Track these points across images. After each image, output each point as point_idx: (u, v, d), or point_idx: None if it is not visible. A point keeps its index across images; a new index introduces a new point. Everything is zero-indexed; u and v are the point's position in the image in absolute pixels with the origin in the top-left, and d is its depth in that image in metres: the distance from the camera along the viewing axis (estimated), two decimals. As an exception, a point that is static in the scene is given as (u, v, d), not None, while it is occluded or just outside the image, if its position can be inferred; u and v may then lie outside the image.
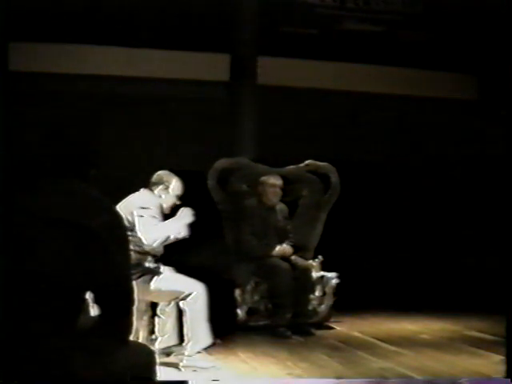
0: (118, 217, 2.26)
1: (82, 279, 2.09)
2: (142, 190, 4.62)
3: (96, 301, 2.17)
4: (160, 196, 4.59)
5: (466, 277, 8.16)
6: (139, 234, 4.35)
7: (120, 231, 2.23)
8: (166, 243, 4.48)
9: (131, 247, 4.46)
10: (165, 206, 4.57)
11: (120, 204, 4.43)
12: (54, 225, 2.08)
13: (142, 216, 4.38)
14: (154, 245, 4.41)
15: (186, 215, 4.41)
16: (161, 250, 4.59)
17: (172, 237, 4.41)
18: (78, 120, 2.34)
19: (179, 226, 4.39)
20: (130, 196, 4.58)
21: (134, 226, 4.38)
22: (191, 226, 4.45)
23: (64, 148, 2.23)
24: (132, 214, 4.39)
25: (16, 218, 2.11)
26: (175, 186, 4.64)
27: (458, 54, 9.28)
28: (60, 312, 2.06)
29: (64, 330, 2.06)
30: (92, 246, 2.08)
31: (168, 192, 4.61)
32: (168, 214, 4.60)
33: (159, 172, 4.70)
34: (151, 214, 4.41)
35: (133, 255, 4.45)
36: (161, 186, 4.61)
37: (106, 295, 2.15)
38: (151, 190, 4.63)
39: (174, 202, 4.61)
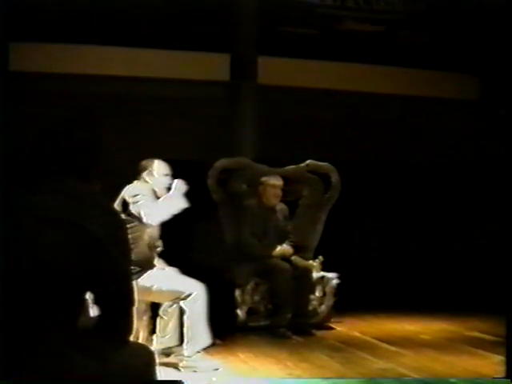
0: (117, 217, 2.26)
1: (81, 279, 2.09)
2: (134, 182, 4.69)
3: (96, 301, 2.17)
4: (148, 182, 4.64)
5: (467, 277, 8.16)
6: (142, 217, 4.39)
7: (120, 231, 2.23)
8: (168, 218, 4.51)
9: (132, 246, 4.47)
10: (157, 189, 4.65)
11: (116, 200, 4.50)
12: (54, 225, 2.08)
13: (137, 202, 4.46)
14: (156, 222, 4.48)
15: (179, 186, 4.48)
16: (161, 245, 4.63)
17: (174, 211, 4.45)
18: (78, 120, 2.34)
19: (176, 199, 4.45)
20: (123, 190, 4.62)
21: (132, 218, 4.43)
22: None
23: (64, 148, 2.23)
24: (128, 204, 4.47)
25: (16, 218, 2.11)
26: (158, 167, 4.71)
27: (458, 54, 9.28)
28: (60, 312, 2.06)
29: (64, 331, 2.06)
30: (92, 247, 2.08)
31: (154, 175, 4.68)
32: None
33: (141, 161, 4.76)
34: (145, 199, 4.49)
35: (134, 254, 4.47)
36: (145, 173, 4.68)
37: (105, 295, 2.15)
38: (140, 180, 4.69)
39: (165, 183, 4.65)
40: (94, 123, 2.34)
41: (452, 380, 4.15)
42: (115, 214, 2.28)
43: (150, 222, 4.45)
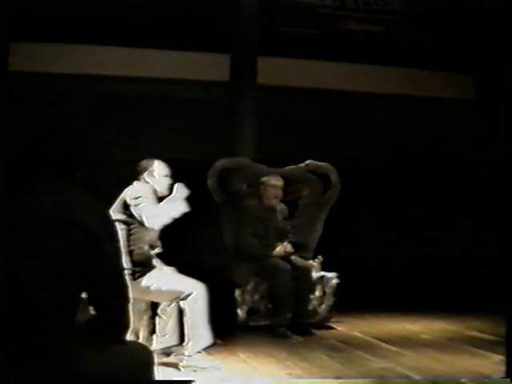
0: (109, 216, 2.29)
1: (78, 277, 2.10)
2: (134, 182, 4.68)
3: (92, 300, 2.17)
4: (149, 182, 4.64)
5: (467, 277, 8.16)
6: (144, 221, 4.38)
7: (114, 230, 2.24)
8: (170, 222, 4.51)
9: (132, 247, 4.48)
10: (158, 189, 4.63)
11: (117, 201, 4.50)
12: (52, 224, 2.08)
13: (138, 204, 4.44)
14: (157, 226, 4.47)
15: (181, 190, 4.47)
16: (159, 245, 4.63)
17: (176, 215, 4.44)
18: (77, 120, 2.35)
19: (177, 203, 4.44)
20: (124, 191, 4.62)
21: (132, 220, 4.43)
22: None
23: (62, 148, 2.24)
24: (129, 206, 4.46)
25: (14, 218, 2.11)
26: (158, 168, 4.70)
27: (457, 54, 9.28)
28: (57, 311, 2.06)
29: (61, 330, 2.06)
30: (86, 244, 2.09)
31: (154, 176, 4.67)
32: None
33: (141, 162, 4.75)
34: (146, 201, 4.47)
35: (134, 255, 4.47)
36: (145, 173, 4.67)
37: (101, 294, 2.16)
38: (140, 180, 4.68)
39: (165, 184, 4.65)
40: (93, 123, 2.35)
41: (462, 380, 4.14)
42: (106, 213, 2.30)
43: (151, 225, 4.44)
